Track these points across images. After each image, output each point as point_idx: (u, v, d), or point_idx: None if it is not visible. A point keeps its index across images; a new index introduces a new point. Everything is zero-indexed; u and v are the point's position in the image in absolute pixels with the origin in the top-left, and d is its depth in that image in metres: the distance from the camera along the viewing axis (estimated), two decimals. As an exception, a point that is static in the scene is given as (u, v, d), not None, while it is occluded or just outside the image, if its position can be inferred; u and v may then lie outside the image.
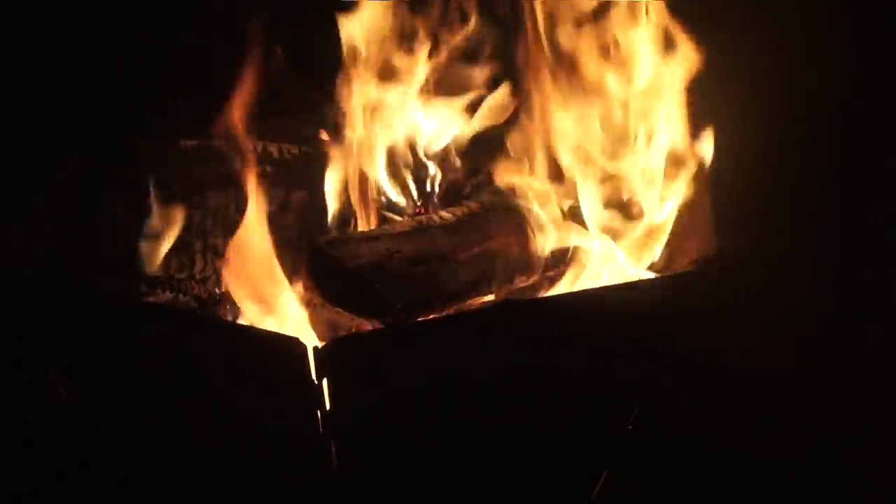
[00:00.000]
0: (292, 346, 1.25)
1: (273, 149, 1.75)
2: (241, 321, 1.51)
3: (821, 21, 1.65)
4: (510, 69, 1.72)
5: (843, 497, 1.50)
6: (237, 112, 1.59)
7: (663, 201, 1.62)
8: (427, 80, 1.72)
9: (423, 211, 1.74)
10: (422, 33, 1.69)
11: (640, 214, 1.62)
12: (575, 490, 1.45)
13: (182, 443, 1.42)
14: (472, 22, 1.70)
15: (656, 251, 1.61)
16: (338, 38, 1.66)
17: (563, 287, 1.61)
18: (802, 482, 1.51)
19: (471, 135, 1.76)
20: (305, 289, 1.53)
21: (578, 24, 1.63)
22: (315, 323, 1.51)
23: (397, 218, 1.72)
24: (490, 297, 1.58)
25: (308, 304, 1.53)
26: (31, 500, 1.51)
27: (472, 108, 1.75)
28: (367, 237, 1.59)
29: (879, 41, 1.70)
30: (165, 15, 1.74)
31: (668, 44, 1.59)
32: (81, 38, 1.74)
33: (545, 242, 1.62)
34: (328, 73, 1.71)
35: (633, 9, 1.61)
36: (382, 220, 1.73)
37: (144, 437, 1.44)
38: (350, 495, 1.33)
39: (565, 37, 1.63)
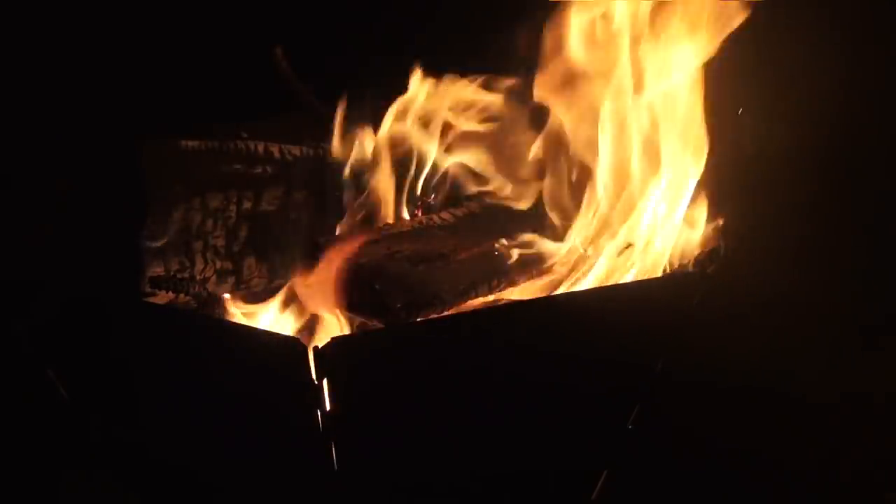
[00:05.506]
0: (292, 346, 1.25)
1: (274, 149, 1.74)
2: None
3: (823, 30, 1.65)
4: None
5: (844, 496, 1.50)
6: None
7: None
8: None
9: (423, 212, 1.75)
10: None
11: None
12: (575, 490, 1.45)
13: (182, 443, 1.42)
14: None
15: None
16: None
17: (563, 287, 1.61)
18: (802, 482, 1.51)
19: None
20: (306, 288, 1.53)
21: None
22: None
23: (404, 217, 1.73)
24: (490, 297, 1.58)
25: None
26: (31, 500, 1.51)
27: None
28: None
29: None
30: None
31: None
32: (83, 37, 1.74)
33: (546, 243, 1.63)
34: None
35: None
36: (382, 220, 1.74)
37: (144, 437, 1.44)
38: (350, 495, 1.33)
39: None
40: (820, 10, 1.63)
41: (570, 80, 1.62)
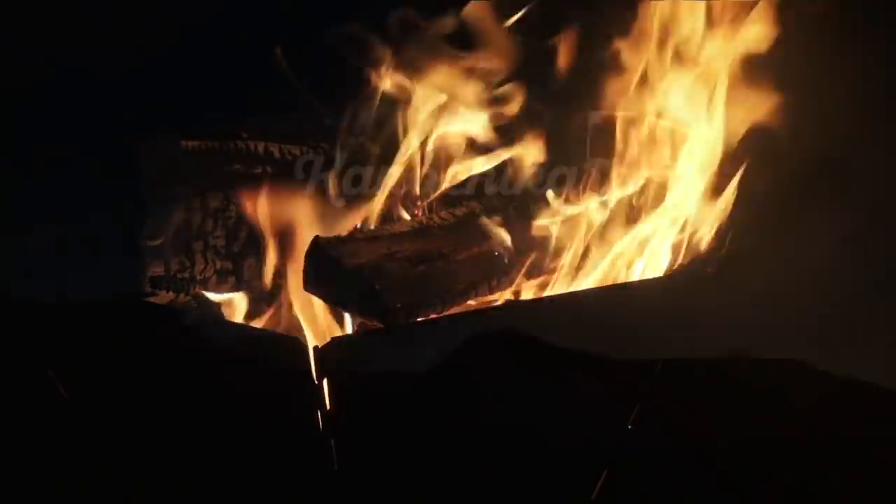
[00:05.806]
0: (292, 347, 1.25)
1: (274, 149, 1.75)
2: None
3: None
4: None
5: (844, 495, 1.50)
6: None
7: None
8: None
9: (422, 212, 1.74)
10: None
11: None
12: (575, 490, 1.45)
13: (182, 442, 1.42)
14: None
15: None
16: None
17: (563, 287, 1.61)
18: (802, 481, 1.51)
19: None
20: (305, 288, 1.53)
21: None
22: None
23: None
24: (490, 297, 1.58)
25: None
26: (31, 500, 1.51)
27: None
28: (368, 237, 1.59)
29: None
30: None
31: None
32: (84, 37, 1.74)
33: (547, 243, 1.63)
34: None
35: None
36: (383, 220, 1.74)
37: (144, 437, 1.44)
38: (350, 495, 1.33)
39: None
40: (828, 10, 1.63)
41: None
